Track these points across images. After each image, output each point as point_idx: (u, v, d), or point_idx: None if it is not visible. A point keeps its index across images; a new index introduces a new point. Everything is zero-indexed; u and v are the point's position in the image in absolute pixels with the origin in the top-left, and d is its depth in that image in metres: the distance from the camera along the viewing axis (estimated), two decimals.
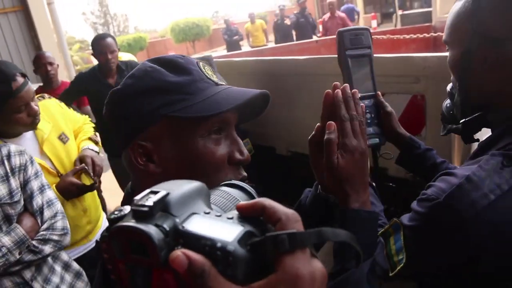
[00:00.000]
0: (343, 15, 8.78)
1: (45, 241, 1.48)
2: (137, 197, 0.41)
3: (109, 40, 3.31)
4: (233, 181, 0.52)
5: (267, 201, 0.42)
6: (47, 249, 1.48)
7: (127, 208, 0.42)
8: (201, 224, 0.39)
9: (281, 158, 3.09)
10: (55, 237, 1.50)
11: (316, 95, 2.19)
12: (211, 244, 0.37)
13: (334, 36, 1.44)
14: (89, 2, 44.80)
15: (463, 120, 1.00)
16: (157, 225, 0.38)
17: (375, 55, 2.45)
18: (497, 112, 0.96)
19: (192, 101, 0.72)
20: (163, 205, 0.40)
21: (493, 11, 0.91)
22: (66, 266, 1.66)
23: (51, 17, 6.46)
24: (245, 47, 14.33)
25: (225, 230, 0.39)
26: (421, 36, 3.80)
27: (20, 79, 1.73)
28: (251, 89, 0.80)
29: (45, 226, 1.49)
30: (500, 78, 0.92)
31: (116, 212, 0.42)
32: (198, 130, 0.73)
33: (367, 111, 1.38)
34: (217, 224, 0.40)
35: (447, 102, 1.04)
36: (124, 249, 0.39)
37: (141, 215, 0.39)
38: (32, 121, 1.81)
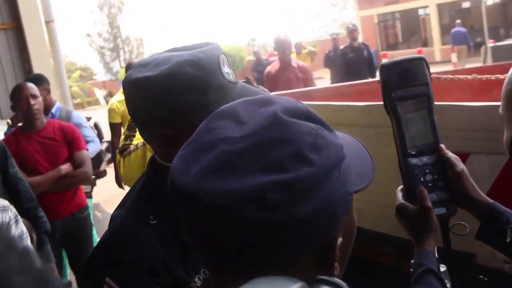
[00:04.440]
0: (304, 66, 6.92)
1: None
2: None
3: None
4: (332, 279, 0.60)
5: None
6: None
7: None
8: None
9: None
10: None
11: (378, 153, 2.17)
12: None
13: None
14: (97, 21, 46.46)
15: None
16: None
17: (454, 102, 2.43)
18: None
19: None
20: None
21: None
22: None
23: (48, 38, 6.78)
24: None
25: None
26: None
27: None
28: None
29: None
30: None
31: None
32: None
33: (427, 171, 1.36)
34: None
35: None
36: None
37: None
38: None
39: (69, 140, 3.69)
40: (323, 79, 16.43)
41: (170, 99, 1.12)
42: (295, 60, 6.94)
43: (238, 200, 0.66)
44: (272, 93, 3.66)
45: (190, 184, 0.69)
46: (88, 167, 3.74)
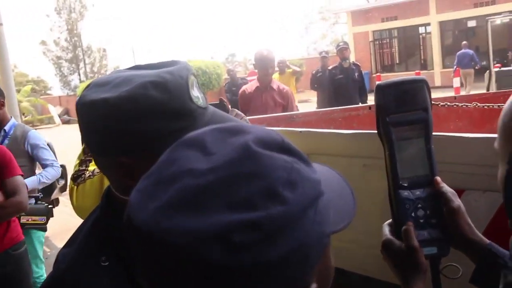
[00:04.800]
0: (285, 90, 6.37)
1: None
2: None
3: None
4: None
5: None
6: None
7: None
8: None
9: None
10: None
11: (365, 186, 2.18)
12: None
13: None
14: (53, 27, 45.25)
15: None
16: None
17: (450, 133, 2.46)
18: None
19: None
20: None
21: None
22: None
23: None
24: None
25: None
26: None
27: None
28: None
29: None
30: None
31: None
32: None
33: (419, 205, 1.37)
34: None
35: None
36: None
37: None
38: None
39: None
40: (309, 102, 16.54)
41: (130, 125, 1.10)
42: (276, 82, 6.66)
43: (201, 241, 0.66)
44: (249, 117, 3.67)
45: (148, 221, 0.69)
46: (23, 195, 3.62)
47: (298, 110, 6.42)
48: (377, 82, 1.39)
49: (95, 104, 1.11)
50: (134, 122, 1.10)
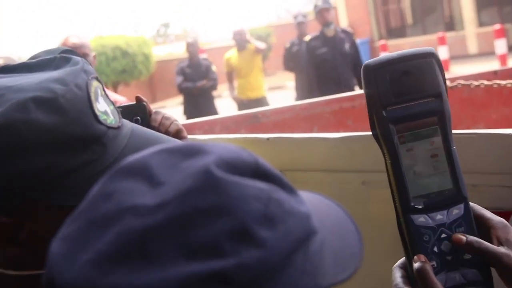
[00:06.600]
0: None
1: None
2: None
3: None
4: None
5: None
6: None
7: None
8: None
9: None
10: None
11: (368, 215, 2.17)
12: None
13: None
14: None
15: None
16: None
17: (490, 130, 2.50)
18: None
19: None
20: None
21: None
22: None
23: None
24: (224, 99, 14.59)
25: None
26: None
27: None
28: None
29: None
30: None
31: None
32: None
33: (444, 235, 1.35)
34: None
35: None
36: None
37: None
38: None
39: None
40: (283, 89, 16.54)
41: (7, 167, 1.07)
42: (110, 94, 5.91)
43: None
44: (187, 122, 3.56)
45: (78, 280, 0.70)
46: None
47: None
48: (366, 62, 1.38)
49: None
50: (12, 162, 1.07)
